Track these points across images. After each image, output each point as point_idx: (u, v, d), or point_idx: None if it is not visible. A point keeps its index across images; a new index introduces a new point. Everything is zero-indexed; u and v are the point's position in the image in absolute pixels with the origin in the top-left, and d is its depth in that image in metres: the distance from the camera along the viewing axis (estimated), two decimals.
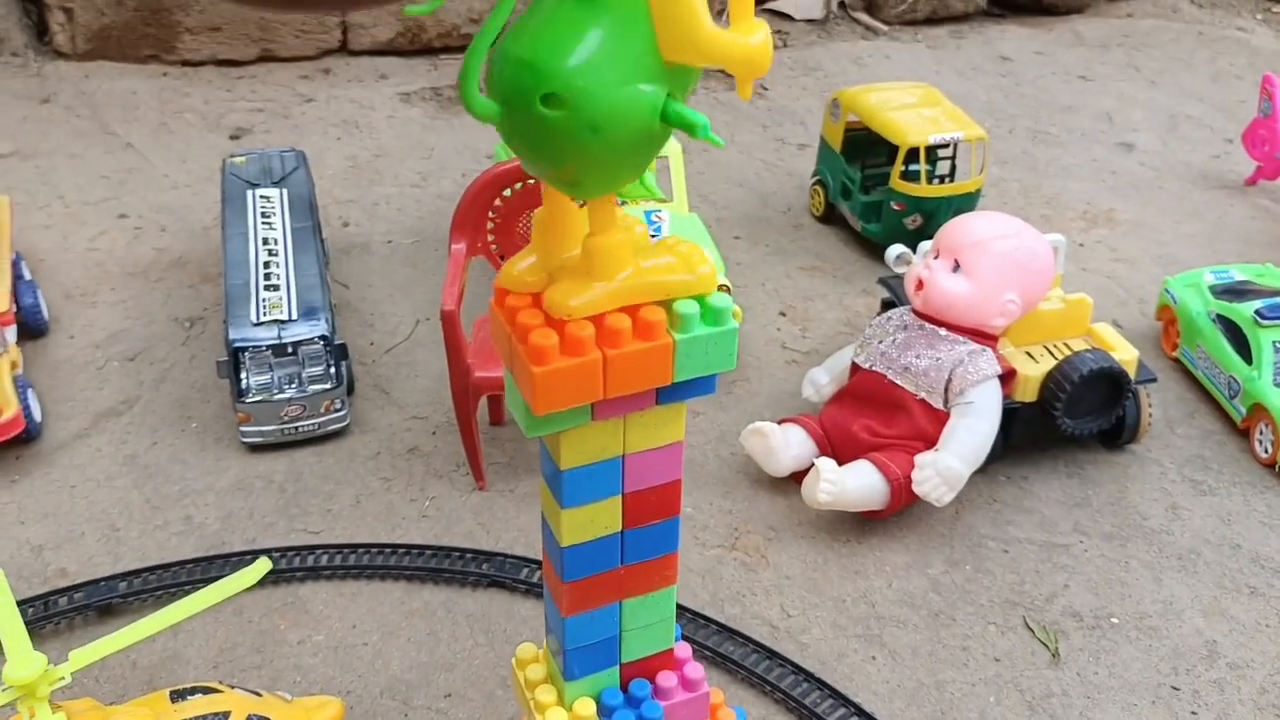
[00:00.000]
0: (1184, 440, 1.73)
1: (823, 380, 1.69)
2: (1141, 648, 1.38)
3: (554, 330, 0.75)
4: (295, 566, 1.42)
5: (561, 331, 0.74)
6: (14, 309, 1.75)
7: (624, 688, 0.94)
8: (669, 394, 0.80)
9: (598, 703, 0.92)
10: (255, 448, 1.60)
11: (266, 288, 1.62)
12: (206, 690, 1.08)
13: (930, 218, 2.08)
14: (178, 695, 1.07)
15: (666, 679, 0.94)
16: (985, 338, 1.54)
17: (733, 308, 0.78)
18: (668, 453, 0.85)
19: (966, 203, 2.09)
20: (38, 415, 1.62)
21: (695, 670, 0.95)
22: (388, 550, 1.45)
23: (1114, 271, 2.18)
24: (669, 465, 0.85)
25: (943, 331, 1.55)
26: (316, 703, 1.14)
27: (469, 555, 1.45)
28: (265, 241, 1.72)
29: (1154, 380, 1.66)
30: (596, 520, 0.84)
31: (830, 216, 2.28)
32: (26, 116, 2.55)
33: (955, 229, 1.59)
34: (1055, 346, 1.64)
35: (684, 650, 0.96)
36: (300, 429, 1.59)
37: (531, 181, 1.56)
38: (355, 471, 1.59)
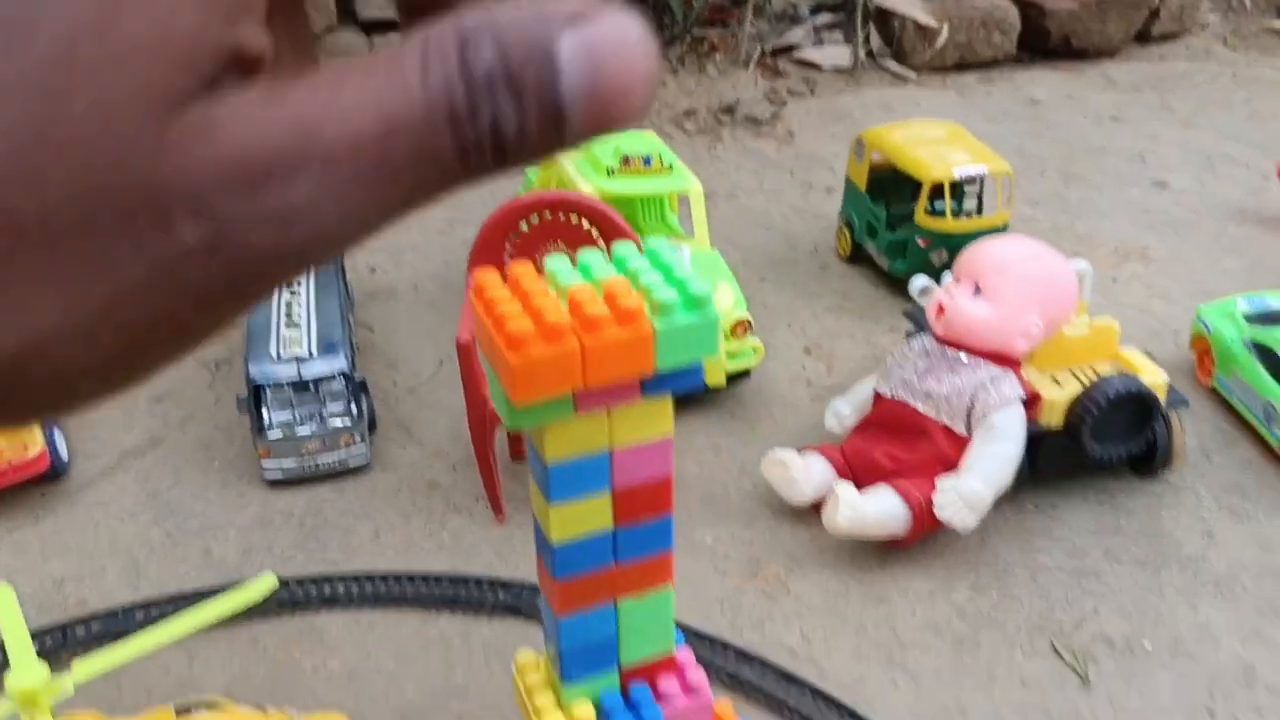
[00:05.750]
0: (1220, 469, 1.69)
1: (845, 410, 1.67)
2: (1176, 672, 1.34)
3: (530, 318, 0.75)
4: (312, 596, 1.42)
5: (539, 320, 0.74)
6: None
7: (624, 692, 0.92)
8: (653, 385, 0.80)
9: (596, 706, 0.91)
10: (276, 483, 1.61)
11: (287, 325, 1.64)
12: (211, 705, 1.08)
13: (956, 253, 2.06)
14: (182, 710, 1.07)
15: (668, 683, 0.92)
16: (1008, 362, 1.52)
17: (712, 295, 0.78)
18: (656, 449, 0.84)
19: None
20: (64, 454, 1.64)
21: (698, 675, 0.93)
22: (404, 579, 1.44)
23: (1148, 305, 2.15)
24: (658, 461, 0.84)
25: (964, 357, 1.53)
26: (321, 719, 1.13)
27: (486, 584, 1.44)
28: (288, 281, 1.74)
29: (1185, 404, 1.63)
30: (586, 516, 0.83)
31: (857, 256, 2.27)
32: None
33: (975, 253, 1.58)
34: (1082, 371, 1.61)
35: (686, 655, 0.95)
36: (321, 465, 1.60)
37: (548, 215, 1.58)
38: (375, 506, 1.59)
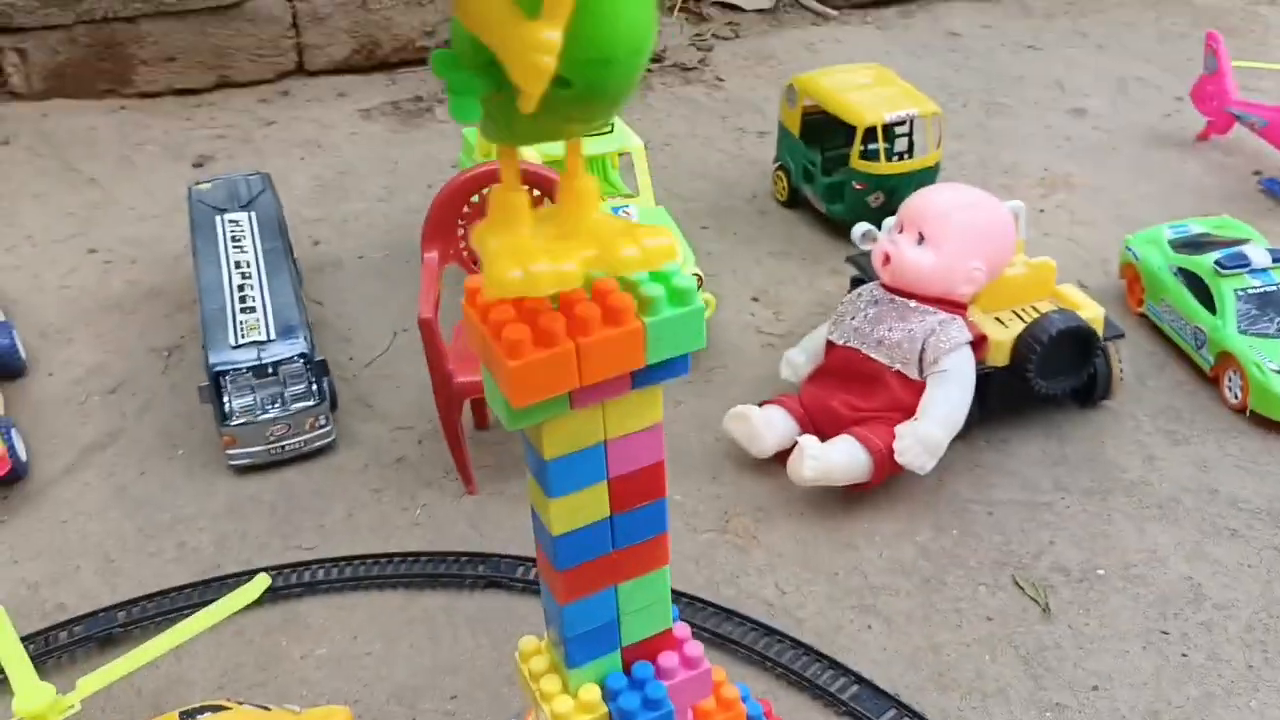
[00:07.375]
0: (1155, 393, 1.76)
1: (799, 360, 1.71)
2: (1129, 596, 1.41)
3: (526, 324, 0.76)
4: (292, 584, 1.43)
5: (534, 324, 0.76)
6: None
7: (627, 671, 0.95)
8: (644, 377, 0.82)
9: (602, 688, 0.94)
10: (243, 470, 1.61)
11: (243, 310, 1.64)
12: (216, 708, 1.09)
13: (892, 194, 2.11)
14: (187, 715, 1.08)
15: (668, 659, 0.96)
16: (954, 306, 1.57)
17: (696, 286, 0.80)
18: (648, 435, 0.86)
19: (926, 177, 2.11)
20: (23, 455, 1.62)
21: (694, 649, 0.97)
22: (383, 560, 1.46)
23: (1075, 234, 2.22)
24: (651, 448, 0.87)
25: (913, 303, 1.57)
26: (323, 713, 1.15)
27: (465, 558, 1.47)
28: (238, 265, 1.73)
29: (1121, 335, 1.69)
30: (584, 507, 0.86)
31: (795, 201, 2.31)
32: None
33: (917, 202, 1.62)
34: (1023, 310, 1.66)
35: (682, 630, 0.98)
36: (286, 448, 1.60)
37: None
38: (345, 486, 1.60)
